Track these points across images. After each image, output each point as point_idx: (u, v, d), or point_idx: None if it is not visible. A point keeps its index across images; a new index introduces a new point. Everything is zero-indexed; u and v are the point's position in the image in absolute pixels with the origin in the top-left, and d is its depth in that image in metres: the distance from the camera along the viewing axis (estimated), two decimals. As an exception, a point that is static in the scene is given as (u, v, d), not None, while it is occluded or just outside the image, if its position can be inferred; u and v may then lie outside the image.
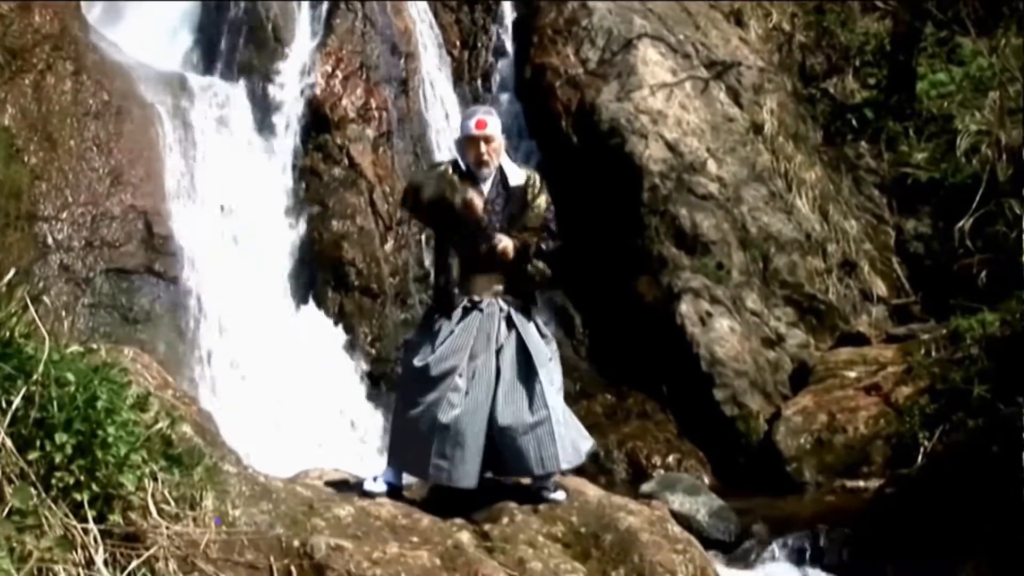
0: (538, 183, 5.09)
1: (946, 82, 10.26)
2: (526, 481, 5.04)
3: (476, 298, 4.96)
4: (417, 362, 4.95)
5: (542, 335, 5.08)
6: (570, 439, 4.96)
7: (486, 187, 5.00)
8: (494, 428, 4.89)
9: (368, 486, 5.02)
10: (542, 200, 5.05)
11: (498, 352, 4.93)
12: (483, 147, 4.97)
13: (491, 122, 5.04)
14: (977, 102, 9.85)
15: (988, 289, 8.28)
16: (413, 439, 4.93)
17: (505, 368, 4.91)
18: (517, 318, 4.99)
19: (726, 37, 10.43)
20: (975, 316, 7.82)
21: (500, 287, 4.98)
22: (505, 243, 4.93)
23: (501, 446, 4.89)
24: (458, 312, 4.96)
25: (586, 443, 5.09)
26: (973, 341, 7.68)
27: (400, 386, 5.28)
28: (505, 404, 4.89)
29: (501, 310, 4.96)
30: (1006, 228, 8.72)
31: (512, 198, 5.04)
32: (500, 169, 5.04)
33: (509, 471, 4.95)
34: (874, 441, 7.63)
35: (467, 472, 4.85)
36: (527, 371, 4.92)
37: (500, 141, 5.05)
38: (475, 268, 4.98)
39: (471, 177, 5.01)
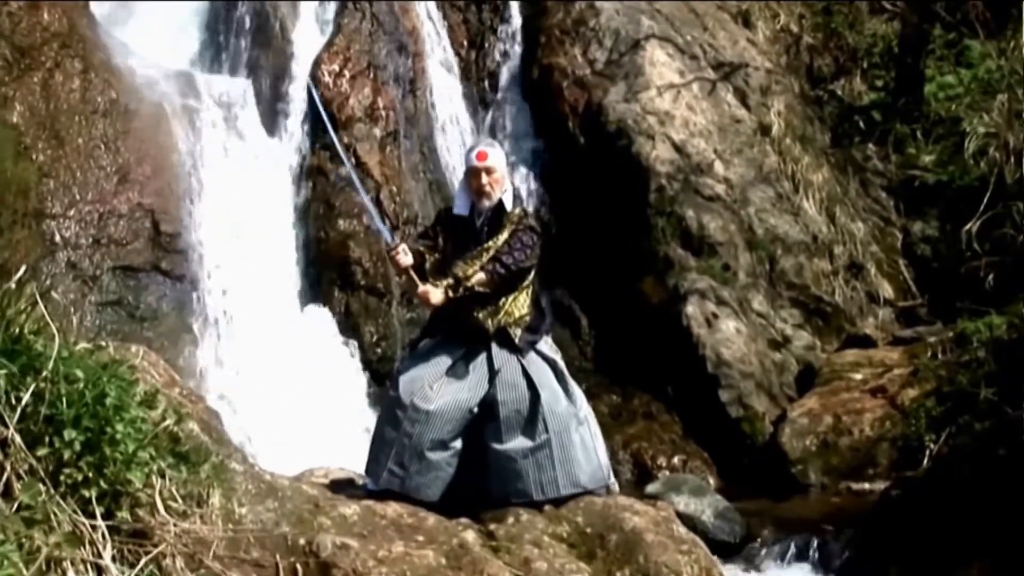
0: (516, 218, 5.00)
1: (954, 84, 10.24)
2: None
3: (466, 321, 4.93)
4: (399, 365, 5.17)
5: (544, 357, 5.04)
6: (577, 464, 4.94)
7: (479, 221, 5.00)
8: (493, 452, 4.89)
9: (372, 485, 5.04)
10: (505, 234, 4.95)
11: (495, 375, 4.92)
12: (484, 178, 4.99)
13: (492, 154, 5.08)
14: (985, 104, 9.82)
15: (995, 292, 8.26)
16: (378, 442, 4.99)
17: (505, 392, 4.91)
18: (514, 348, 4.96)
19: (734, 38, 10.42)
20: (982, 319, 7.81)
21: (492, 313, 4.94)
22: (423, 290, 4.85)
23: (502, 469, 4.90)
24: (446, 333, 4.99)
25: (596, 475, 5.01)
26: (980, 344, 7.67)
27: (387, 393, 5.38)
28: (507, 429, 4.89)
29: (495, 336, 4.94)
30: (1014, 231, 8.70)
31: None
32: (501, 203, 5.03)
33: (510, 494, 4.92)
34: (880, 443, 7.63)
35: (423, 484, 4.87)
36: (529, 394, 4.92)
37: (502, 172, 5.07)
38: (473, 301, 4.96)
39: (451, 221, 5.06)
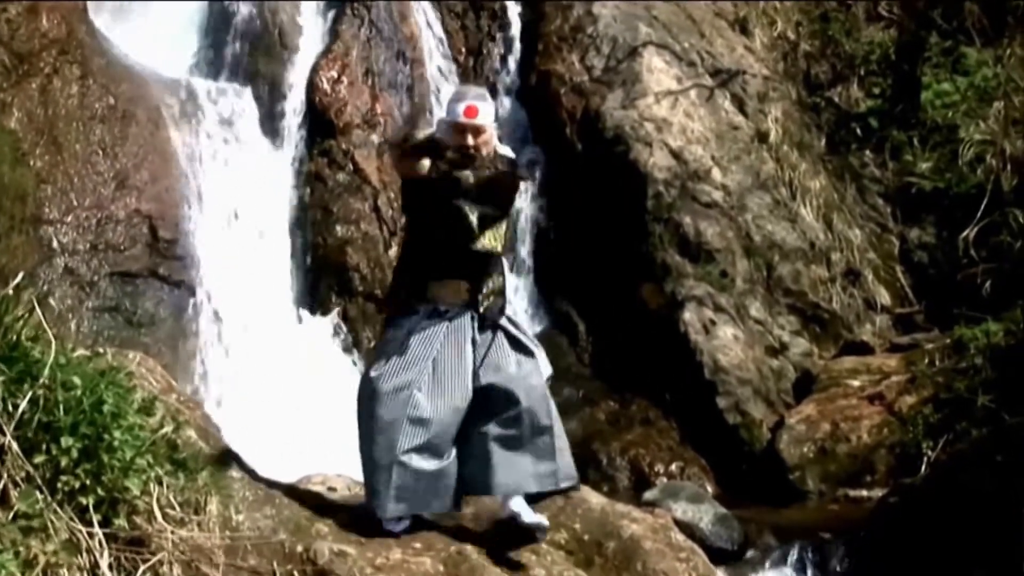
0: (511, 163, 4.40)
1: (951, 92, 10.25)
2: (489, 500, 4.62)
3: (441, 306, 4.36)
4: (372, 373, 4.42)
5: (524, 332, 4.59)
6: (567, 455, 4.55)
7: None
8: (478, 442, 4.41)
9: (382, 515, 4.52)
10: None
11: (482, 360, 4.40)
12: (470, 139, 4.26)
13: (483, 109, 4.30)
14: (982, 112, 9.83)
15: (992, 299, 8.27)
16: (373, 468, 4.42)
17: (490, 375, 4.38)
18: (502, 320, 4.46)
19: (731, 45, 10.43)
20: (979, 326, 7.82)
21: (469, 295, 4.38)
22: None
23: (488, 458, 4.40)
24: (419, 319, 4.37)
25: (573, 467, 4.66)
26: (977, 351, 7.68)
27: (357, 404, 4.53)
28: (493, 414, 4.38)
29: (473, 318, 4.37)
30: (1010, 238, 8.71)
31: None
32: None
33: (498, 488, 4.46)
34: (877, 450, 7.63)
35: (434, 498, 4.44)
36: (518, 377, 4.41)
37: (492, 132, 4.36)
38: (444, 269, 4.36)
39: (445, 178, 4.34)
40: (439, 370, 4.36)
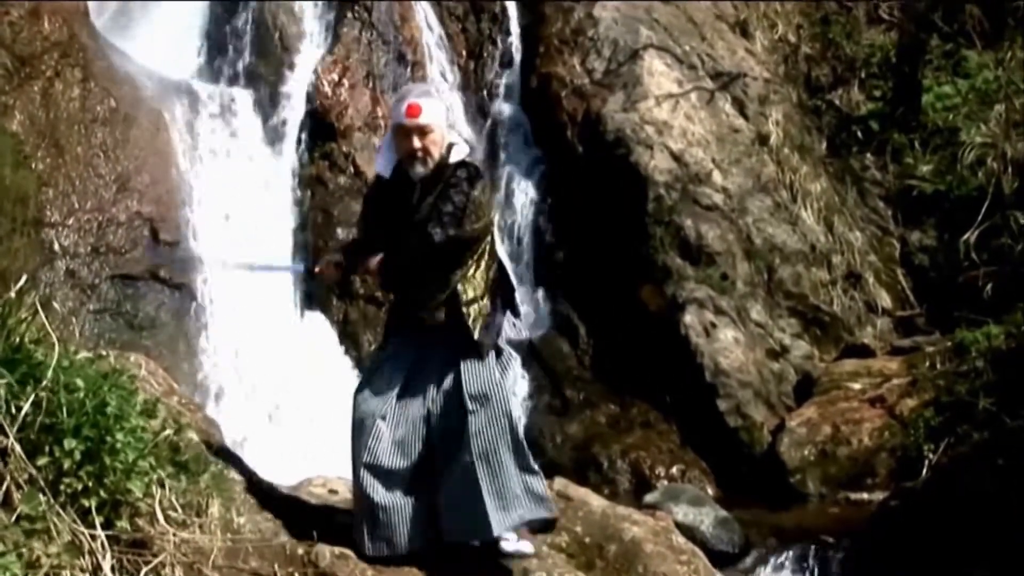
0: (448, 173, 4.00)
1: (952, 94, 10.26)
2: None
3: (414, 323, 4.17)
4: (355, 396, 4.26)
5: (499, 353, 4.20)
6: (512, 493, 4.16)
7: (415, 194, 4.06)
8: (431, 480, 4.19)
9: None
10: (430, 198, 4.00)
11: (436, 388, 4.16)
12: (416, 141, 3.95)
13: (427, 107, 3.97)
14: (982, 114, 9.84)
15: (993, 302, 8.27)
16: (355, 496, 4.30)
17: (445, 405, 4.14)
18: (465, 348, 4.13)
19: (732, 48, 10.44)
20: (980, 329, 7.81)
21: (442, 312, 4.10)
22: (363, 267, 4.20)
23: (441, 501, 4.20)
24: (400, 339, 4.23)
25: (510, 515, 4.19)
26: (978, 354, 7.67)
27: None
28: (438, 450, 4.16)
29: (444, 338, 4.12)
30: (1011, 241, 8.72)
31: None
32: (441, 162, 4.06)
33: (443, 531, 4.26)
34: (878, 453, 7.62)
35: (406, 535, 4.20)
36: (457, 414, 4.11)
37: (441, 131, 4.01)
38: (414, 287, 4.14)
39: (398, 183, 4.07)
40: (405, 396, 4.17)
